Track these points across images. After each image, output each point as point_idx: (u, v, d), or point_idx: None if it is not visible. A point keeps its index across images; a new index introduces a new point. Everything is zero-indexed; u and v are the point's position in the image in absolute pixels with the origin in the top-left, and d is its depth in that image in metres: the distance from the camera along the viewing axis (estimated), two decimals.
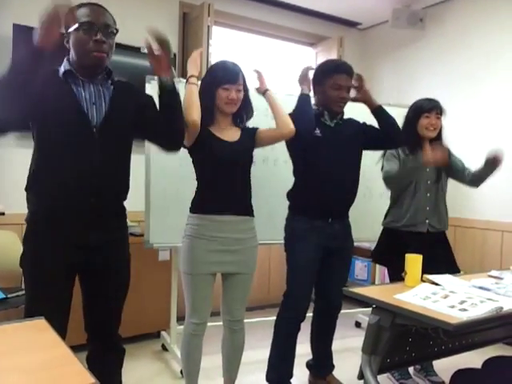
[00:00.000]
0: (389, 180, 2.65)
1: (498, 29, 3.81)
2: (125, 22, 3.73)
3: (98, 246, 1.81)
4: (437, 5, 4.26)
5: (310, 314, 2.68)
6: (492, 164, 2.59)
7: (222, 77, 2.18)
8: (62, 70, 1.78)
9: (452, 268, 2.59)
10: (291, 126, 2.29)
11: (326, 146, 2.44)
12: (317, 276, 2.52)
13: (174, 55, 3.84)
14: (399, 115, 3.71)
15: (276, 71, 4.71)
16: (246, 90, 2.27)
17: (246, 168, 2.29)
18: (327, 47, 4.73)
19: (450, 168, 2.69)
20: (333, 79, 2.43)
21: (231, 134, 2.27)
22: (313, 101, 2.55)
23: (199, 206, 2.23)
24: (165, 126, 1.88)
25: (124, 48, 3.62)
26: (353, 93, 2.55)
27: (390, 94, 4.64)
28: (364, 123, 2.62)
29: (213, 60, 3.79)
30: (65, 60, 1.81)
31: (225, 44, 4.36)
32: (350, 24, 4.93)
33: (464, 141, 3.73)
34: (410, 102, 3.95)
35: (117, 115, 1.82)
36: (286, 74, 4.78)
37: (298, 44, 4.87)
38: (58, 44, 1.63)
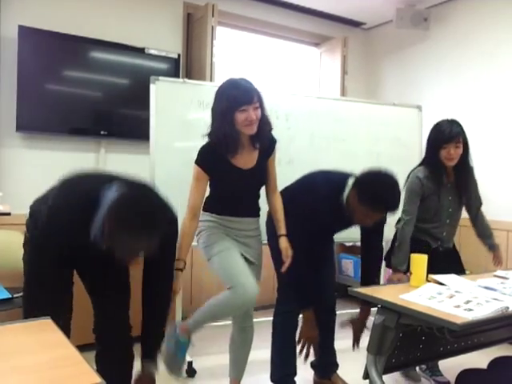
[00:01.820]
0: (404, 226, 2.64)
1: (502, 28, 3.80)
2: (129, 23, 3.77)
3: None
4: (441, 4, 4.25)
5: None
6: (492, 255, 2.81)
7: (237, 99, 2.04)
8: (92, 237, 1.58)
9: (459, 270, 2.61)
10: None
11: (328, 225, 2.43)
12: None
13: (178, 56, 3.84)
14: (403, 115, 3.73)
15: (280, 71, 4.71)
16: (261, 105, 2.12)
17: (261, 186, 2.31)
18: (331, 47, 4.73)
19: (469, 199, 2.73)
20: (370, 211, 2.15)
21: (248, 159, 2.21)
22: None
23: (211, 207, 2.26)
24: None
25: (128, 49, 3.64)
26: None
27: (395, 93, 4.64)
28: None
29: (217, 61, 3.79)
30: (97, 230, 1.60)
31: (229, 44, 4.37)
32: (354, 24, 4.93)
33: (470, 141, 3.71)
34: (415, 102, 3.97)
35: None
36: (291, 73, 4.79)
37: (302, 44, 4.87)
38: None
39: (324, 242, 2.63)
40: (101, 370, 1.88)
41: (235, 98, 2.05)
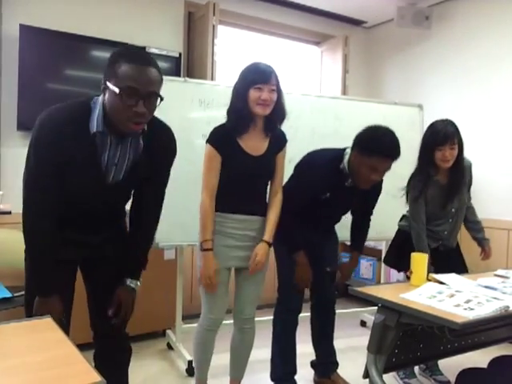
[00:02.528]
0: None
1: (504, 27, 3.79)
2: (130, 22, 3.77)
3: (98, 244, 1.84)
4: (442, 3, 4.24)
5: (308, 314, 2.70)
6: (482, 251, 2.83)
7: (253, 76, 2.11)
8: (94, 126, 1.59)
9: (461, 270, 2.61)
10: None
11: (330, 203, 2.41)
12: None
13: (180, 54, 3.84)
14: (404, 114, 3.72)
15: (281, 70, 4.70)
16: (279, 92, 2.17)
17: (267, 179, 2.30)
18: (332, 46, 4.72)
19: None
20: (372, 160, 2.18)
21: (258, 146, 2.22)
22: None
23: (217, 203, 2.24)
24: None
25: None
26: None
27: (396, 92, 4.64)
28: (374, 193, 2.52)
29: (218, 60, 3.79)
30: (98, 111, 1.59)
31: (230, 43, 4.36)
32: (356, 22, 4.92)
33: (471, 140, 3.71)
34: (416, 101, 3.96)
35: (134, 175, 1.74)
36: (292, 72, 4.79)
37: (303, 43, 4.87)
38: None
39: (326, 224, 2.61)
40: (99, 365, 1.89)
41: (252, 77, 2.11)
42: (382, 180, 2.46)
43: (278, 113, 2.20)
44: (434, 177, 2.61)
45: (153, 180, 1.81)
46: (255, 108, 2.11)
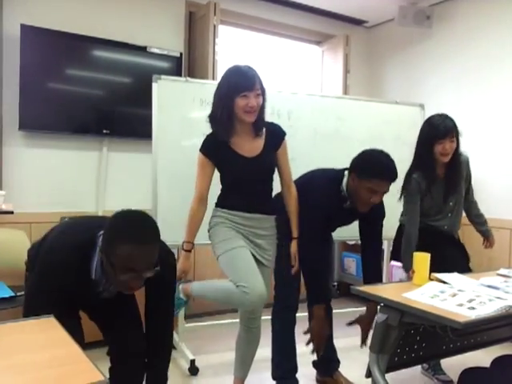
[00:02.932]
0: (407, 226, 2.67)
1: (505, 27, 3.79)
2: (131, 22, 3.78)
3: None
4: (443, 2, 4.24)
5: (306, 314, 2.68)
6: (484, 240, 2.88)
7: (238, 84, 2.06)
8: (93, 274, 1.68)
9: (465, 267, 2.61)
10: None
11: (331, 222, 2.47)
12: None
13: (181, 54, 3.84)
14: (406, 114, 3.72)
15: (282, 69, 4.71)
16: (263, 94, 2.14)
17: (267, 178, 2.27)
18: (333, 45, 4.72)
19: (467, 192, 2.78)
20: (371, 183, 2.20)
21: (252, 147, 2.20)
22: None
23: (222, 202, 2.25)
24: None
25: (130, 47, 3.64)
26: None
27: (397, 92, 4.63)
28: (374, 218, 2.47)
29: (219, 59, 3.79)
30: (96, 260, 1.67)
31: (231, 43, 4.36)
32: (356, 22, 4.92)
33: (472, 140, 3.71)
34: (417, 100, 3.96)
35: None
36: (293, 72, 4.79)
37: (304, 42, 4.86)
38: None
39: (323, 238, 2.62)
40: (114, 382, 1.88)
41: (237, 84, 2.07)
42: (383, 204, 2.45)
43: (263, 112, 2.19)
44: (435, 174, 2.62)
45: (154, 312, 1.88)
46: (243, 116, 2.10)
